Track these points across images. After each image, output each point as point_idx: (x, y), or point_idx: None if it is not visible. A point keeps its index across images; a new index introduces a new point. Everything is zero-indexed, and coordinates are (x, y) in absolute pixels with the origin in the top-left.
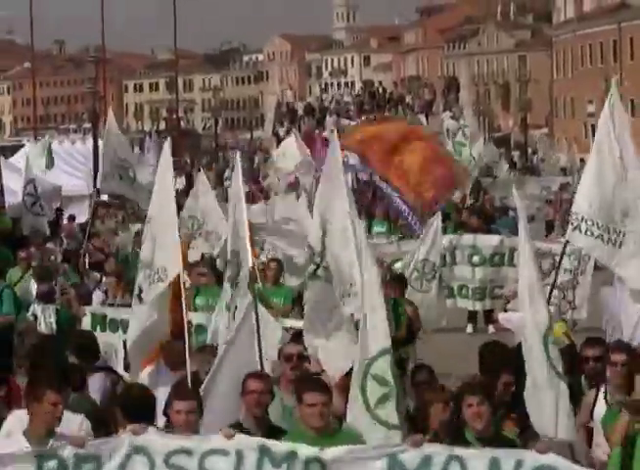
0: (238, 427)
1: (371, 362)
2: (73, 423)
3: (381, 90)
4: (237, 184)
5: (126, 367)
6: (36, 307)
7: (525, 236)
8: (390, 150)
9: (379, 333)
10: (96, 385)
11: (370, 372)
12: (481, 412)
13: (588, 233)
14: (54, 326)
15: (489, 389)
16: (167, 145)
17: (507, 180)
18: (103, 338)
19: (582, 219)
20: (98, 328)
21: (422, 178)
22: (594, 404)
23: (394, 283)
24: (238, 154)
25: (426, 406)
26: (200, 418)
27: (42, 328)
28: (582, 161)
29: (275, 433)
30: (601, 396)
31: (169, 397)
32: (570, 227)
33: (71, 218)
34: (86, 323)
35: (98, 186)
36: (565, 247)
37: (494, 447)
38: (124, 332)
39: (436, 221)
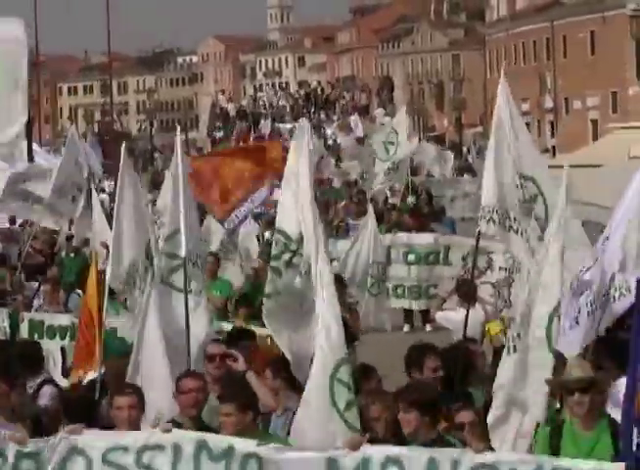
0: (173, 425)
1: (338, 366)
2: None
3: (319, 91)
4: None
5: (64, 374)
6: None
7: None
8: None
9: (336, 344)
10: (46, 394)
11: (337, 377)
12: (408, 419)
13: (500, 224)
14: (7, 330)
15: (426, 392)
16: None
17: (444, 180)
18: (40, 344)
19: (494, 210)
20: (35, 335)
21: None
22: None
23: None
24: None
25: (367, 408)
26: (142, 413)
27: None
28: None
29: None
30: None
31: (110, 394)
32: (483, 221)
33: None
34: (24, 329)
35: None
36: (478, 240)
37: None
38: (62, 338)
39: (370, 222)
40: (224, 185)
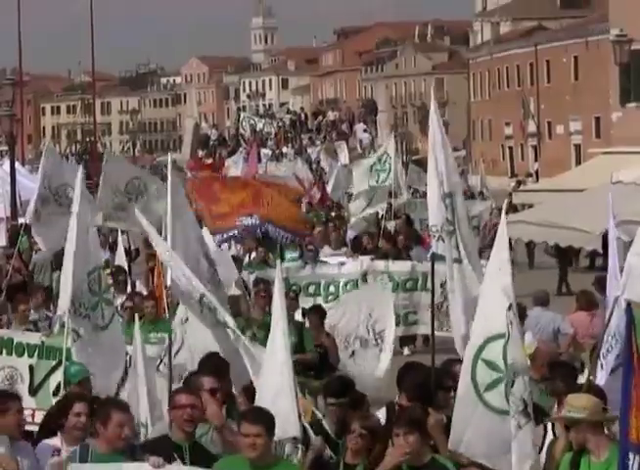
0: (165, 440)
1: (483, 347)
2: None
3: (303, 117)
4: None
5: (32, 392)
6: None
7: None
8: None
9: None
10: None
11: (481, 357)
12: (409, 442)
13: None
14: None
15: (418, 416)
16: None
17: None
18: (8, 362)
19: (441, 229)
20: (4, 351)
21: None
22: (544, 438)
23: (311, 313)
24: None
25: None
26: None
27: None
28: (521, 183)
29: (201, 451)
30: (549, 426)
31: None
32: (433, 240)
33: None
34: None
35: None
36: (433, 262)
37: None
38: (30, 356)
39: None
40: (228, 205)
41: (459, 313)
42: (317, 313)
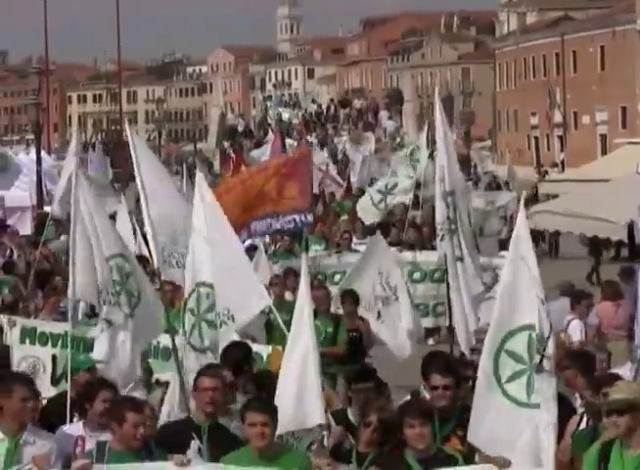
0: (187, 422)
1: (507, 337)
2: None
3: (333, 108)
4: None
5: (54, 381)
6: (2, 318)
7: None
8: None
9: (519, 310)
10: None
11: (505, 348)
12: (424, 434)
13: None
14: None
15: (430, 407)
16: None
17: None
18: (31, 351)
19: (443, 228)
20: (27, 341)
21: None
22: (578, 425)
23: (345, 298)
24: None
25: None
26: None
27: (8, 339)
28: (547, 173)
29: (221, 431)
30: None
31: None
32: (438, 240)
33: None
34: (15, 335)
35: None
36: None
37: (434, 467)
38: (53, 346)
39: (379, 241)
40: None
41: (464, 310)
42: (351, 298)
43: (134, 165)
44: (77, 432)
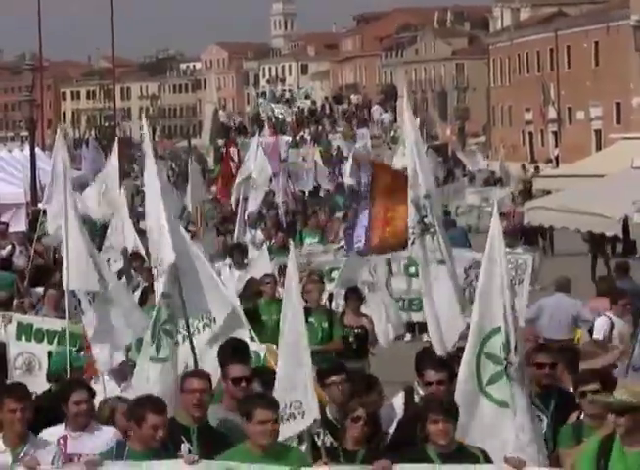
0: (175, 424)
1: (486, 340)
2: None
3: (328, 107)
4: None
5: (49, 378)
6: None
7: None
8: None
9: (491, 312)
10: None
11: (484, 350)
12: (447, 429)
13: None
14: None
15: (453, 402)
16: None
17: (445, 190)
18: (27, 348)
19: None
20: (23, 337)
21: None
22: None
23: (350, 296)
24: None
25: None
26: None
27: (2, 335)
28: (539, 169)
29: (210, 432)
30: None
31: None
32: (409, 243)
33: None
34: (11, 331)
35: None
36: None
37: (455, 463)
38: (49, 343)
39: None
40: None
41: (438, 313)
42: (355, 296)
43: (144, 165)
44: (59, 433)
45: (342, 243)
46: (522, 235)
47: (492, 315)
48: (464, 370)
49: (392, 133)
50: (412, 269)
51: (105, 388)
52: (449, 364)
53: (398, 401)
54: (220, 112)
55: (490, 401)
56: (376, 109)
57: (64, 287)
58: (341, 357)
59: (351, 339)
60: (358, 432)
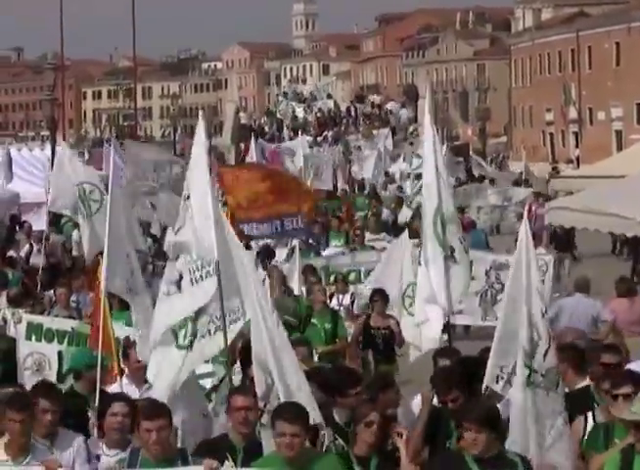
0: (225, 441)
1: (529, 349)
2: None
3: (344, 108)
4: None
5: (59, 378)
6: (6, 312)
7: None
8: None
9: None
10: None
11: (528, 359)
12: (477, 441)
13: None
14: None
15: (491, 414)
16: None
17: (467, 190)
18: (37, 348)
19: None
20: (33, 337)
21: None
22: (584, 432)
23: (375, 298)
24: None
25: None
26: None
27: (12, 332)
28: (555, 170)
29: (256, 451)
30: (590, 420)
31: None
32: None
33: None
34: (21, 331)
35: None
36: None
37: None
38: (60, 343)
39: (405, 239)
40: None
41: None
42: (381, 297)
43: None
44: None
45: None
46: (552, 240)
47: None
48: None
49: (411, 129)
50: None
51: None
52: (461, 382)
53: (416, 402)
54: (241, 113)
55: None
56: (392, 105)
57: (102, 288)
58: (368, 358)
59: (378, 340)
60: (371, 437)
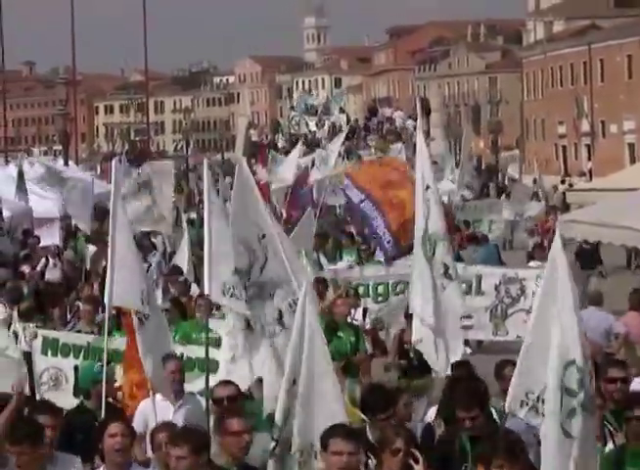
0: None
1: (563, 374)
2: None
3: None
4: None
5: (75, 393)
6: (17, 326)
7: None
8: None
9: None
10: None
11: (564, 385)
12: None
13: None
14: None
15: (520, 444)
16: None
17: (479, 205)
18: (54, 363)
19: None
20: (49, 352)
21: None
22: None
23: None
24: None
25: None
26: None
27: (23, 346)
28: (564, 182)
29: None
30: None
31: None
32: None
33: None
34: (37, 346)
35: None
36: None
37: None
38: (76, 357)
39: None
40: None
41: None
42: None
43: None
44: None
45: (377, 254)
46: (578, 257)
47: (566, 346)
48: (550, 411)
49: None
50: (463, 287)
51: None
52: (482, 398)
53: (431, 415)
54: (251, 131)
55: (563, 435)
56: (399, 115)
57: (105, 301)
58: (404, 374)
59: (411, 355)
60: (398, 466)
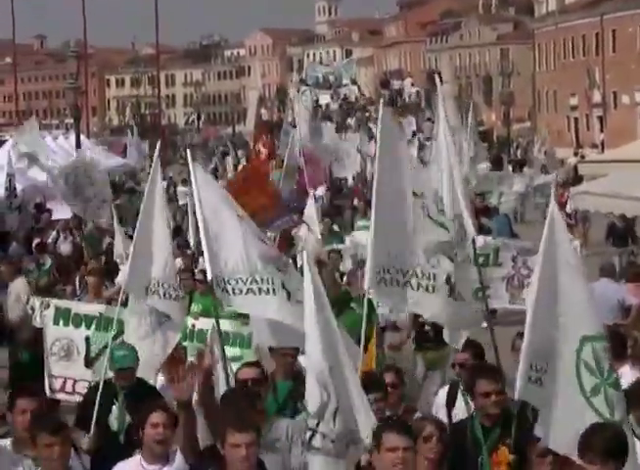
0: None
1: (580, 348)
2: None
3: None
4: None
5: (87, 364)
6: (35, 301)
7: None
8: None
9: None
10: None
11: (582, 357)
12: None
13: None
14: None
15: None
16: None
17: (490, 176)
18: (65, 333)
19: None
20: (61, 322)
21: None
22: None
23: None
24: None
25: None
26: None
27: (38, 322)
28: (577, 154)
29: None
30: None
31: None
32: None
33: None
34: (49, 316)
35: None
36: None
37: None
38: (87, 328)
39: None
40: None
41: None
42: None
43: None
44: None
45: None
46: (609, 235)
47: (585, 321)
48: (563, 375)
49: (422, 104)
50: (481, 259)
51: None
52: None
53: (443, 394)
54: (262, 110)
55: (594, 413)
56: (407, 82)
57: (121, 283)
58: (421, 348)
59: (427, 327)
60: (433, 452)
